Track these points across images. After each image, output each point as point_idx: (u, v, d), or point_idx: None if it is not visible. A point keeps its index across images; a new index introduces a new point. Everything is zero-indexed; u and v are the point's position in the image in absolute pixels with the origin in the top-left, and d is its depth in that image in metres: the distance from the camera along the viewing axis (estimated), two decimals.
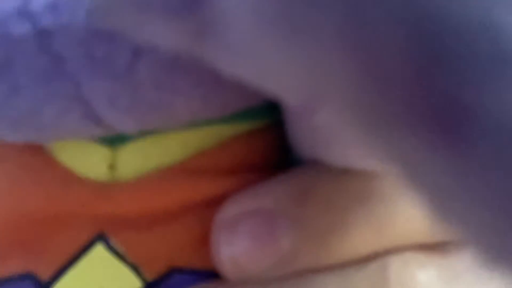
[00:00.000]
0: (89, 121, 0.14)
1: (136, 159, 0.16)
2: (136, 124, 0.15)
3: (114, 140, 0.16)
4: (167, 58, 0.13)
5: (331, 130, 0.13)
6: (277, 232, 0.15)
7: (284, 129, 0.17)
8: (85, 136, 0.15)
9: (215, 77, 0.13)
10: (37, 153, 0.16)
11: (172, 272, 0.16)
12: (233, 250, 0.15)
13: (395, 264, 0.15)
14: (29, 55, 0.13)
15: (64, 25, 0.13)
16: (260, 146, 0.17)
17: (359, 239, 0.15)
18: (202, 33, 0.10)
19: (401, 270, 0.15)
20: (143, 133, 0.16)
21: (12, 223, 0.16)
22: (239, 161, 0.16)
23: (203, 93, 0.14)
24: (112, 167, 0.16)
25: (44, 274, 0.16)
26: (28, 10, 0.13)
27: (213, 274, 0.16)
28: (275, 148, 0.17)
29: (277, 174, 0.16)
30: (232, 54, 0.10)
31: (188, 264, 0.16)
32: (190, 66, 0.13)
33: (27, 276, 0.16)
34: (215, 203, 0.16)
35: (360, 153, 0.14)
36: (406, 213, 0.16)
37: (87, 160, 0.16)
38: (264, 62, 0.09)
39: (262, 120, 0.17)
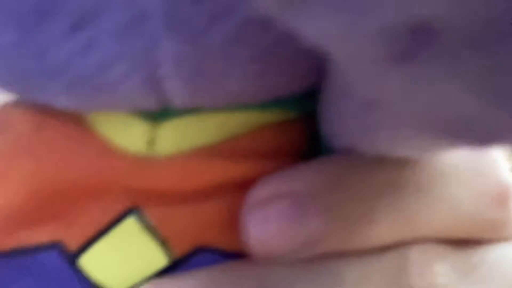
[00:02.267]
0: (149, 87, 0.14)
1: (174, 137, 0.16)
2: (190, 97, 0.15)
3: (155, 116, 0.16)
4: (238, 28, 0.13)
5: (380, 113, 0.13)
6: (307, 215, 0.16)
7: (312, 122, 0.18)
8: (135, 105, 0.15)
9: (271, 55, 0.14)
10: (77, 123, 0.16)
11: (199, 250, 0.16)
12: (262, 230, 0.16)
13: (415, 254, 0.16)
14: (117, 7, 0.13)
15: None
16: (290, 135, 0.17)
17: (385, 228, 0.16)
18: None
19: (420, 260, 0.16)
20: (183, 112, 0.16)
21: (45, 190, 0.16)
22: (270, 148, 0.17)
23: (257, 70, 0.14)
24: (151, 142, 0.16)
25: (72, 244, 0.16)
26: None
27: (239, 255, 0.16)
28: (303, 139, 0.18)
29: (306, 162, 0.17)
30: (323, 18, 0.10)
31: (215, 243, 0.16)
32: (252, 39, 0.14)
33: (55, 245, 0.16)
34: (246, 186, 0.16)
35: (401, 141, 0.14)
36: (431, 207, 0.16)
37: (127, 133, 0.16)
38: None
39: (292, 111, 0.17)
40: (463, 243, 0.17)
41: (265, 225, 0.16)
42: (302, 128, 0.18)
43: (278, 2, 0.10)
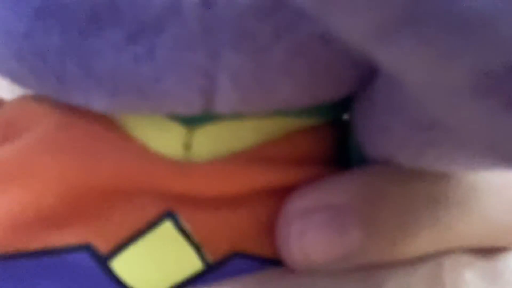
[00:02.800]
0: (199, 96, 0.14)
1: (211, 141, 0.16)
2: (236, 104, 0.15)
3: (191, 120, 0.16)
4: (301, 43, 0.13)
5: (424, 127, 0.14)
6: (347, 227, 0.16)
7: (339, 127, 0.18)
8: (177, 111, 0.15)
9: (327, 67, 0.14)
10: (109, 124, 0.16)
11: (234, 255, 0.16)
12: (304, 242, 0.16)
13: (449, 263, 0.17)
14: (185, 21, 0.13)
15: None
16: (322, 140, 0.17)
17: (423, 239, 0.16)
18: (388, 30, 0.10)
19: (453, 269, 0.17)
20: (220, 117, 0.16)
21: (75, 191, 0.16)
22: (304, 153, 0.17)
23: (310, 81, 0.15)
24: (187, 146, 0.16)
25: (104, 246, 0.16)
26: None
27: (275, 262, 0.16)
28: (333, 144, 0.18)
29: (340, 170, 0.17)
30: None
31: (250, 249, 0.16)
32: (312, 54, 0.14)
33: (85, 247, 0.16)
34: (281, 192, 0.16)
35: (438, 155, 0.14)
36: (466, 219, 0.17)
37: (163, 137, 0.16)
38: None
39: (324, 117, 0.17)
40: (490, 250, 0.17)
41: (306, 237, 0.16)
42: (332, 133, 0.18)
43: (370, 35, 0.10)
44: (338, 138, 0.18)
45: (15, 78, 0.16)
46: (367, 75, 0.16)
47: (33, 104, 0.17)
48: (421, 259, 0.16)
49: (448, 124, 0.13)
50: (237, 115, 0.16)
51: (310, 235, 0.16)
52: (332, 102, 0.16)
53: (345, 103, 0.17)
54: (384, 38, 0.10)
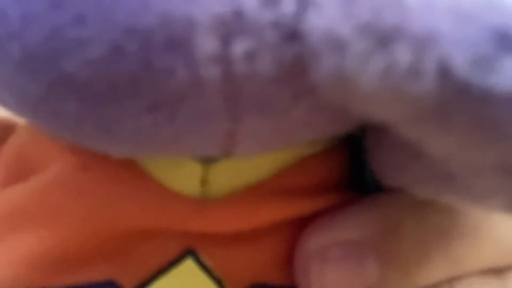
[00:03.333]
0: (219, 150, 0.14)
1: (227, 176, 0.16)
2: (257, 151, 0.15)
3: (207, 157, 0.16)
4: (320, 101, 0.13)
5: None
6: (365, 263, 0.16)
7: (349, 149, 0.18)
8: (194, 155, 0.15)
9: (343, 114, 0.14)
10: (127, 165, 0.16)
11: (254, 287, 0.16)
12: (323, 280, 0.16)
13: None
14: (206, 96, 0.13)
15: (252, 73, 0.12)
16: (337, 162, 0.18)
17: (436, 269, 0.17)
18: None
19: None
20: None
21: (99, 233, 0.16)
22: (319, 178, 0.17)
23: (324, 126, 0.15)
24: (204, 182, 0.16)
25: (127, 284, 0.16)
26: (225, 56, 0.12)
27: None
28: (346, 165, 0.18)
29: (353, 194, 0.17)
30: None
31: (270, 280, 0.17)
32: (332, 106, 0.14)
33: (110, 284, 0.16)
34: (299, 223, 0.17)
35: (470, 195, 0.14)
36: (479, 246, 0.17)
37: (180, 175, 0.16)
38: None
39: (335, 141, 0.18)
40: (501, 269, 0.18)
41: (325, 275, 0.16)
42: (345, 152, 0.18)
43: (404, 121, 0.11)
44: (351, 156, 0.18)
45: (33, 124, 0.16)
46: None
47: (49, 142, 0.17)
48: (433, 286, 0.17)
49: (466, 183, 0.13)
50: None
51: (329, 272, 0.16)
52: None
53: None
54: (416, 123, 0.11)
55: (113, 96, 0.13)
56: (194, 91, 0.13)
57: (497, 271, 0.18)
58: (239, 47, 0.12)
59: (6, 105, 0.15)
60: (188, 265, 0.16)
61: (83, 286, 0.16)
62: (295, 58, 0.12)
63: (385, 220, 0.17)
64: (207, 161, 0.16)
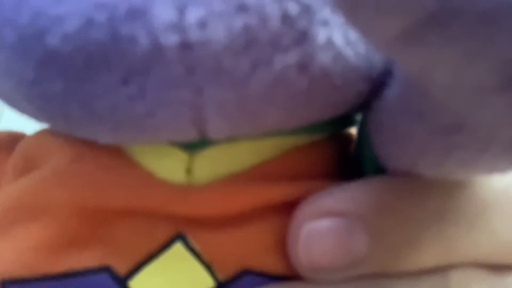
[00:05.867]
0: (191, 127, 0.15)
1: (211, 165, 0.17)
2: (228, 131, 0.16)
3: (192, 146, 0.17)
4: (277, 74, 0.14)
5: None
6: (355, 235, 0.16)
7: (341, 142, 0.19)
8: (176, 139, 0.16)
9: (308, 93, 0.15)
10: (117, 155, 0.17)
11: (244, 273, 0.17)
12: (311, 246, 0.16)
13: (456, 277, 0.17)
14: (168, 64, 0.14)
15: (206, 40, 0.14)
16: (322, 157, 0.18)
17: (428, 253, 0.16)
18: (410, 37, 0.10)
19: (460, 283, 0.17)
20: (218, 141, 0.17)
21: (91, 219, 0.17)
22: (303, 169, 0.18)
23: (294, 106, 0.15)
24: (189, 171, 0.17)
25: (121, 268, 0.17)
26: (181, 24, 0.14)
27: (284, 278, 0.17)
28: (333, 160, 0.18)
29: (342, 182, 0.17)
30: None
31: (260, 266, 0.17)
32: (290, 83, 0.15)
33: (105, 269, 0.17)
34: (285, 208, 0.17)
35: (476, 162, 0.14)
36: (473, 236, 0.17)
37: (166, 163, 0.17)
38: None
39: (320, 134, 0.18)
40: (502, 267, 0.18)
41: (313, 243, 0.16)
42: (333, 148, 0.18)
43: (396, 39, 0.10)
44: (344, 153, 0.19)
45: (29, 115, 0.17)
46: (365, 92, 0.16)
47: (49, 137, 0.18)
48: (427, 272, 0.17)
49: (472, 125, 0.13)
50: (233, 139, 0.17)
51: (317, 242, 0.16)
52: (327, 120, 0.17)
53: (346, 118, 0.18)
54: (410, 41, 0.10)
55: (90, 72, 0.15)
56: (157, 60, 0.14)
57: (498, 268, 0.17)
58: (193, 16, 0.14)
59: (4, 95, 0.17)
60: (178, 250, 0.17)
61: (81, 271, 0.17)
62: (245, 28, 0.14)
63: (380, 197, 0.16)
64: (192, 150, 0.17)
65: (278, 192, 0.17)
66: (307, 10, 0.14)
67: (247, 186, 0.17)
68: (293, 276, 0.17)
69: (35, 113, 0.17)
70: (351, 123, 0.19)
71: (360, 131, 0.18)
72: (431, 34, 0.10)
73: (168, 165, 0.17)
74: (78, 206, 0.17)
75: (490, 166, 0.14)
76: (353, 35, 0.15)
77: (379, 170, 0.17)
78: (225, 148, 0.17)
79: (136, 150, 0.17)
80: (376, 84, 0.16)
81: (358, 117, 0.19)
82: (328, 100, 0.16)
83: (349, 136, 0.19)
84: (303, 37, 0.14)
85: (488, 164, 0.14)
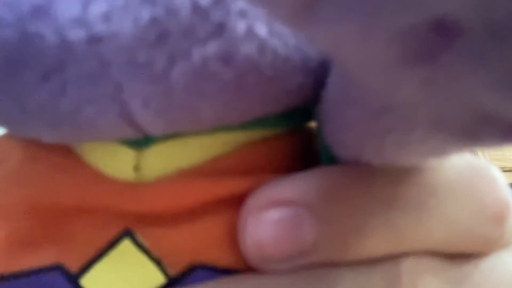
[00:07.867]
0: (123, 121, 0.15)
1: (159, 161, 0.17)
2: (165, 126, 0.16)
3: (139, 143, 0.17)
4: (198, 66, 0.14)
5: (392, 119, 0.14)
6: (303, 224, 0.16)
7: (301, 136, 0.18)
8: (116, 136, 0.16)
9: (238, 85, 0.15)
10: (67, 154, 0.17)
11: (195, 268, 0.17)
12: (259, 235, 0.16)
13: (408, 266, 0.16)
14: (80, 59, 0.14)
15: (113, 33, 0.14)
16: (274, 152, 0.18)
17: (378, 241, 0.16)
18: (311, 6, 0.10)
19: (413, 271, 0.16)
20: (166, 137, 0.17)
21: (42, 217, 0.17)
22: (255, 165, 0.18)
23: (227, 99, 0.15)
24: (137, 168, 0.17)
25: (73, 266, 0.17)
26: (84, 19, 0.14)
27: (235, 272, 0.17)
28: (289, 155, 0.18)
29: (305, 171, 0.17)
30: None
31: (211, 261, 0.17)
32: (214, 75, 0.15)
33: (57, 268, 0.17)
34: (235, 203, 0.17)
35: (410, 146, 0.14)
36: (424, 223, 0.16)
37: (114, 161, 0.17)
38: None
39: (275, 128, 0.18)
40: (456, 255, 0.17)
41: (261, 231, 0.16)
42: (290, 142, 0.18)
43: (291, 9, 0.10)
44: (303, 147, 0.19)
45: None
46: (308, 84, 0.16)
47: (5, 141, 0.19)
48: (378, 261, 0.16)
49: (395, 106, 0.13)
50: (182, 134, 0.17)
51: (264, 230, 0.16)
52: (277, 114, 0.17)
53: (303, 112, 0.18)
54: (309, 16, 0.10)
55: (12, 70, 0.15)
56: (69, 56, 0.14)
57: (453, 257, 0.17)
58: (96, 9, 0.14)
59: None
60: (126, 246, 0.17)
61: (33, 271, 0.17)
62: (152, 19, 0.14)
63: (328, 186, 0.16)
64: (140, 147, 0.17)
65: (228, 187, 0.17)
66: (220, 1, 0.14)
67: (197, 182, 0.17)
68: (245, 269, 0.17)
69: None
70: (309, 117, 0.19)
71: (318, 124, 0.18)
72: (327, 7, 0.10)
73: (116, 163, 0.17)
74: (30, 206, 0.17)
75: (428, 149, 0.14)
76: (279, 26, 0.15)
77: (333, 160, 0.17)
78: (175, 145, 0.17)
79: (86, 149, 0.17)
80: (319, 75, 0.16)
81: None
82: (265, 92, 0.16)
83: (311, 131, 0.19)
84: (220, 29, 0.14)
85: (423, 146, 0.14)
